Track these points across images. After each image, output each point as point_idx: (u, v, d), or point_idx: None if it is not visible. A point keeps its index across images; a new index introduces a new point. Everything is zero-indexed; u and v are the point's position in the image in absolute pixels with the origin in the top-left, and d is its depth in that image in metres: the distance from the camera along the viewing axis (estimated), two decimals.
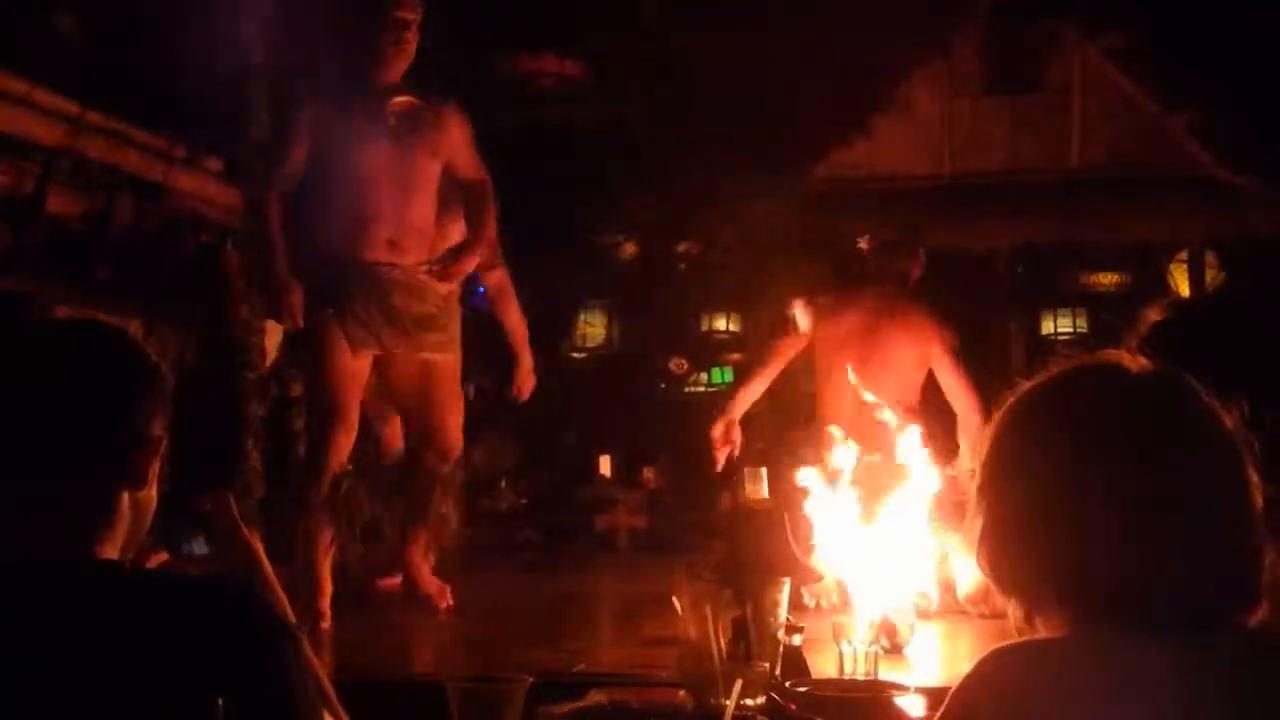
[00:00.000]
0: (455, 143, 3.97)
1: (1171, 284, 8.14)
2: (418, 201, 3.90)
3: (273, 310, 3.77)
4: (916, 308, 4.92)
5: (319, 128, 3.80)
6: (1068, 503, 1.19)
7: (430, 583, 4.03)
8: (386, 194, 3.83)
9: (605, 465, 7.64)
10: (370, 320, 3.80)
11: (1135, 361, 1.25)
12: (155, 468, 1.39)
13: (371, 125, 3.82)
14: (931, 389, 4.96)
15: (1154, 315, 1.77)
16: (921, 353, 4.86)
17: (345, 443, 3.85)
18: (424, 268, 3.89)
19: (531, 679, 1.86)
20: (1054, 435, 1.23)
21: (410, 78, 3.91)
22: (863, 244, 5.00)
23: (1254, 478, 1.19)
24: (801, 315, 4.94)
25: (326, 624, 3.65)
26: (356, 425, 3.91)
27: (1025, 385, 1.28)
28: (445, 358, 3.97)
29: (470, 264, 3.99)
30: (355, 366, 3.85)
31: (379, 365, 3.95)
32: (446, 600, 3.98)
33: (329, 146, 3.80)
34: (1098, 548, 1.17)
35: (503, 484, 7.62)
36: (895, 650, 3.17)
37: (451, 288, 3.98)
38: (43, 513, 1.31)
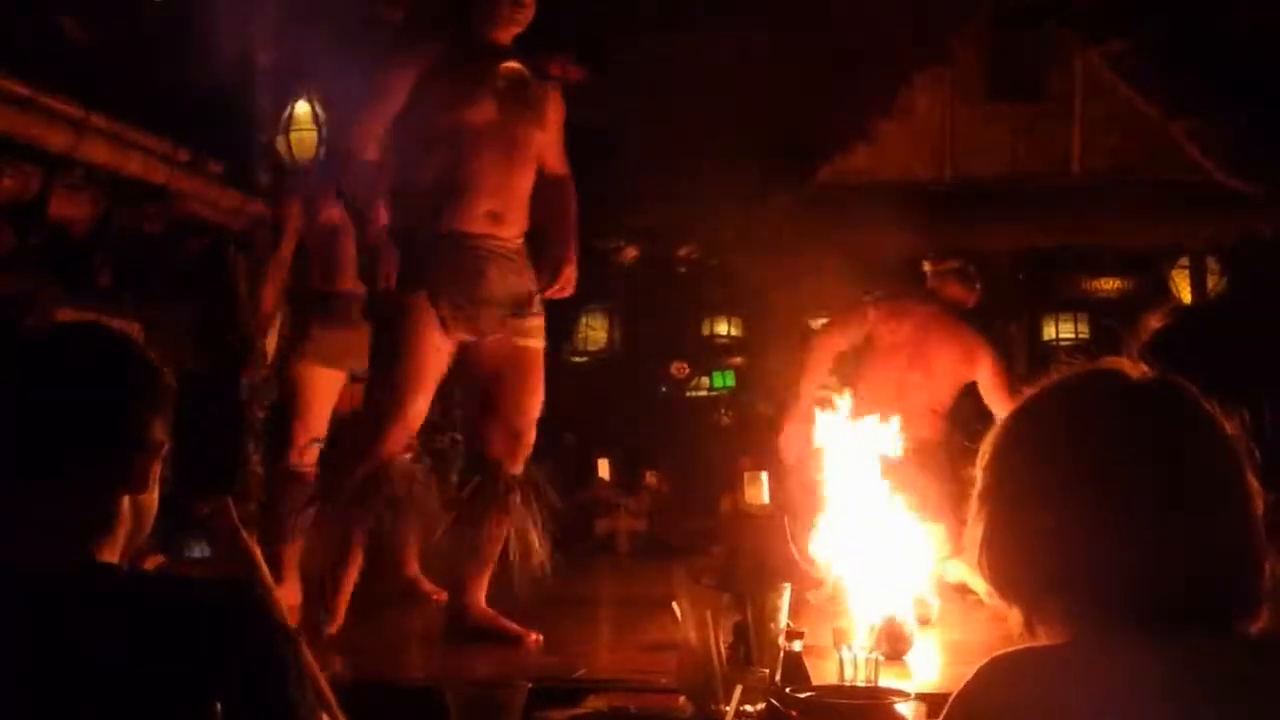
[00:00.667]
0: (551, 128, 3.74)
1: (1173, 290, 8.14)
2: (520, 172, 3.64)
3: (364, 273, 3.45)
4: (966, 331, 5.16)
5: (424, 76, 3.55)
6: (1069, 510, 1.19)
7: (508, 623, 3.52)
8: (489, 160, 3.57)
9: (605, 469, 7.61)
10: (467, 302, 3.52)
11: (1136, 368, 1.25)
12: (156, 471, 1.39)
13: (478, 84, 3.58)
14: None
15: (1155, 321, 1.76)
16: (963, 372, 5.09)
17: (401, 438, 3.53)
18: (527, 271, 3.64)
19: (530, 684, 1.87)
20: (1055, 442, 1.23)
21: (518, 46, 3.69)
22: (926, 266, 5.29)
23: (1254, 485, 1.19)
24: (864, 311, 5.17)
25: (337, 626, 3.50)
26: (418, 424, 3.58)
27: (1026, 391, 1.28)
28: (539, 345, 3.68)
29: (574, 276, 3.73)
30: (441, 354, 3.55)
31: (464, 350, 3.61)
32: (534, 635, 3.48)
33: (431, 100, 3.55)
34: (1098, 555, 1.17)
35: None
36: (896, 656, 3.16)
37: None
38: (43, 515, 1.31)
